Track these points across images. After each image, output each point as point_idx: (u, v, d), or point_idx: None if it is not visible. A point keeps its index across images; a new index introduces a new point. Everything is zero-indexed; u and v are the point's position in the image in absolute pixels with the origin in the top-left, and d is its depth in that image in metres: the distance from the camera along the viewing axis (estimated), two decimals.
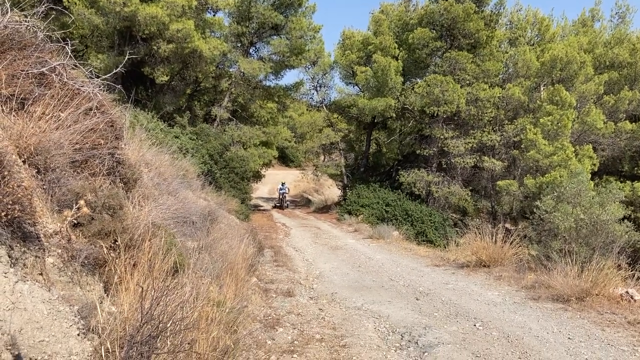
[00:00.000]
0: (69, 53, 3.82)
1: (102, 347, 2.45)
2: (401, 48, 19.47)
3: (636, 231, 7.61)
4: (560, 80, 17.24)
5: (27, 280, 2.35)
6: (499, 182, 17.07)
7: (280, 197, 25.14)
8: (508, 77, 20.22)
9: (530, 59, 18.34)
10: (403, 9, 21.57)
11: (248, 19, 18.83)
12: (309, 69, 24.10)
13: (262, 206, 25.58)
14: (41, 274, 2.50)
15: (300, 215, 22.13)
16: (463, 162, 18.32)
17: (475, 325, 5.31)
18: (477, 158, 18.51)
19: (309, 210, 25.06)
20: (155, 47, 14.24)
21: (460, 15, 17.38)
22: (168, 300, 2.68)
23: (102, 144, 3.71)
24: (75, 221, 3.03)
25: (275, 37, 19.67)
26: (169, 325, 2.61)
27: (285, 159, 48.70)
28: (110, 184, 3.76)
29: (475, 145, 18.49)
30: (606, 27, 22.71)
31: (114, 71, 6.09)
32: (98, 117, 3.76)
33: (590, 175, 12.89)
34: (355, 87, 22.75)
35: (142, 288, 2.59)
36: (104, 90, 4.26)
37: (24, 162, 2.96)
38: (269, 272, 8.23)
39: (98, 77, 4.27)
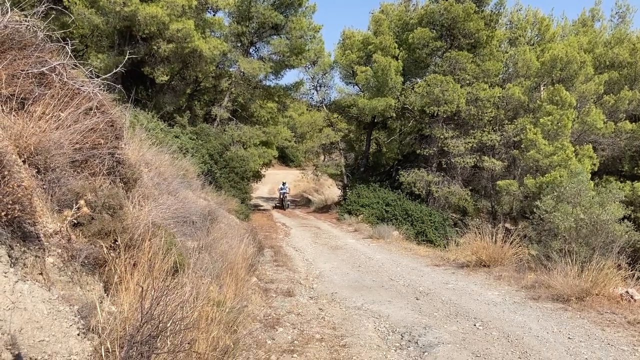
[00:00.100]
0: (69, 53, 3.82)
1: (102, 346, 2.45)
2: (401, 48, 19.47)
3: (636, 231, 7.63)
4: (560, 80, 17.23)
5: (27, 280, 2.35)
6: (499, 182, 17.07)
7: (281, 197, 24.90)
8: (508, 77, 20.22)
9: (530, 59, 18.34)
10: (403, 8, 21.57)
11: (248, 18, 18.83)
12: (309, 68, 24.10)
13: (262, 206, 25.54)
14: (41, 274, 2.50)
15: (300, 215, 22.13)
16: (463, 162, 18.32)
17: (475, 325, 5.32)
18: (477, 158, 18.50)
19: (309, 210, 25.04)
20: (155, 47, 14.24)
21: (460, 15, 17.38)
22: (168, 300, 2.68)
23: (102, 143, 3.71)
24: (75, 221, 3.03)
25: (275, 36, 19.66)
26: (169, 325, 2.62)
27: (285, 159, 48.69)
28: (110, 183, 3.76)
29: (475, 145, 18.49)
30: (606, 26, 22.75)
31: (114, 71, 6.07)
32: (98, 117, 3.76)
33: (590, 175, 12.88)
34: (355, 87, 22.75)
35: (142, 288, 2.59)
36: (104, 90, 4.25)
37: (24, 161, 2.96)
38: (269, 272, 8.23)
39: (98, 76, 4.27)
